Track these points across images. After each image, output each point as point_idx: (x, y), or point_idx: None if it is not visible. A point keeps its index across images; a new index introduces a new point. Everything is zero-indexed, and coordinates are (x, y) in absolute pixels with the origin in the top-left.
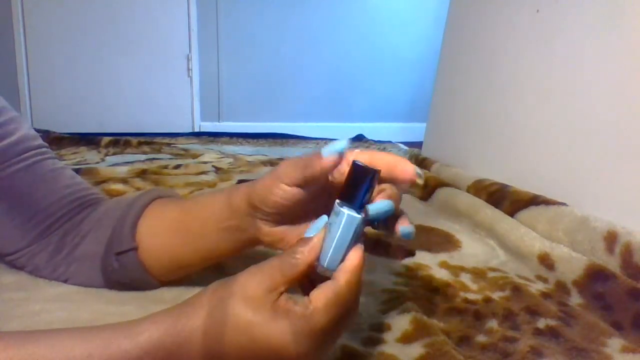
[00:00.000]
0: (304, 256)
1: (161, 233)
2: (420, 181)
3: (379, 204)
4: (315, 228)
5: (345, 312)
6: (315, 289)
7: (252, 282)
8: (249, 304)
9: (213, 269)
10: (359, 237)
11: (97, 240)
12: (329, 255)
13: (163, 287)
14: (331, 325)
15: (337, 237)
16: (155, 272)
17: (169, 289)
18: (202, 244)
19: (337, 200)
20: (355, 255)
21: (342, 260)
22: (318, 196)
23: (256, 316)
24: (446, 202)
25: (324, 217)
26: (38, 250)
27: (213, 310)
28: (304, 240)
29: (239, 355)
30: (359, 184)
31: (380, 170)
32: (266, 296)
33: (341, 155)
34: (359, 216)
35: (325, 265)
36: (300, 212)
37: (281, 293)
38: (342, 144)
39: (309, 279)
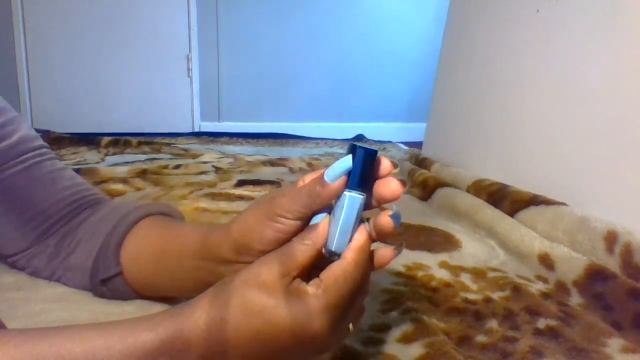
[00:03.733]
0: (312, 242)
1: (142, 259)
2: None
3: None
4: (320, 215)
5: (356, 288)
6: (324, 270)
7: (264, 269)
8: (262, 288)
9: None
10: (361, 217)
11: (87, 253)
12: (335, 238)
13: None
14: (343, 302)
15: (341, 220)
16: (139, 292)
17: None
18: (176, 276)
19: None
20: (361, 235)
21: (349, 242)
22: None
23: (270, 299)
24: (446, 202)
25: None
26: (37, 253)
27: (229, 300)
28: (312, 227)
29: (256, 339)
30: (359, 165)
31: (378, 151)
32: (279, 280)
33: (348, 175)
34: (361, 197)
35: (333, 249)
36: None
37: (293, 278)
38: (346, 163)
39: (316, 265)
